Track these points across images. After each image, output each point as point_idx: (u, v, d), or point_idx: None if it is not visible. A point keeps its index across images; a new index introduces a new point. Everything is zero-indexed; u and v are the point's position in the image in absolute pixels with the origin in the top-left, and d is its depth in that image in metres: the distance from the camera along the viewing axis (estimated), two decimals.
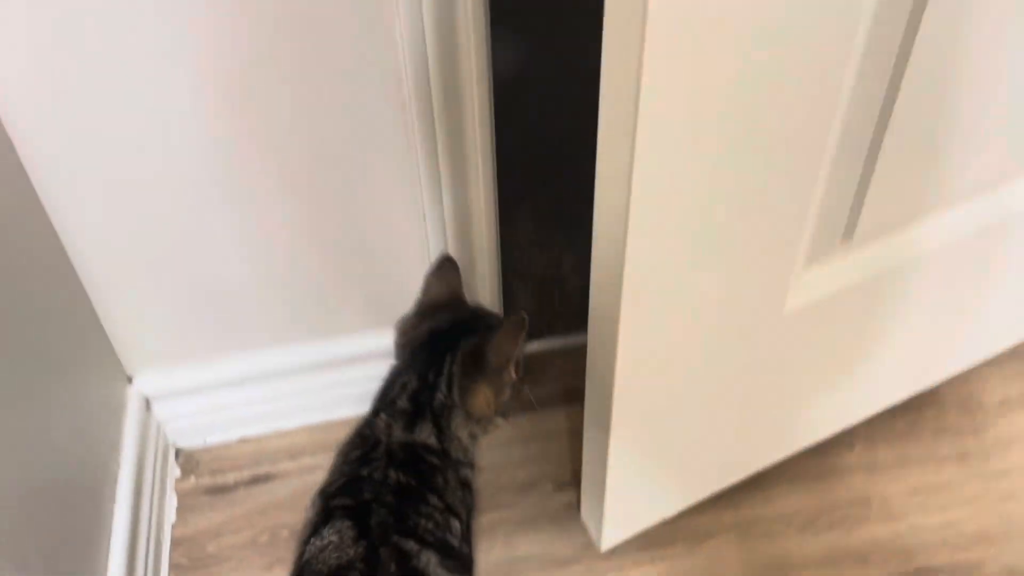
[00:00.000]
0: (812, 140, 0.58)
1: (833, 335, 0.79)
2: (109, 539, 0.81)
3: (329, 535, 0.58)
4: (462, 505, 0.62)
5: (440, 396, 0.62)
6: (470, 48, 0.69)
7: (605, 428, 0.70)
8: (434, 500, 0.61)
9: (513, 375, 0.63)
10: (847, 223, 0.69)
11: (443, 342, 0.64)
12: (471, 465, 0.65)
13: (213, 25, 0.66)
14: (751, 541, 0.88)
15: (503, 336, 0.61)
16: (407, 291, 0.71)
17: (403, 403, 0.63)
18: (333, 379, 0.96)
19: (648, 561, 0.86)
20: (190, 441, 0.97)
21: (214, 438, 0.97)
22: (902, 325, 0.84)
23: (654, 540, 0.87)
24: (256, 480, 0.94)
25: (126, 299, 0.84)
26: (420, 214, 0.83)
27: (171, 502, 0.93)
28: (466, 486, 0.64)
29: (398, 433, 0.62)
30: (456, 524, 0.61)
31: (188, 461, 0.96)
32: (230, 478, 0.95)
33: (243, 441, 0.97)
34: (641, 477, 0.79)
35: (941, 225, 0.75)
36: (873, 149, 0.64)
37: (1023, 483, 0.91)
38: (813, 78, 0.53)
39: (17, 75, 0.66)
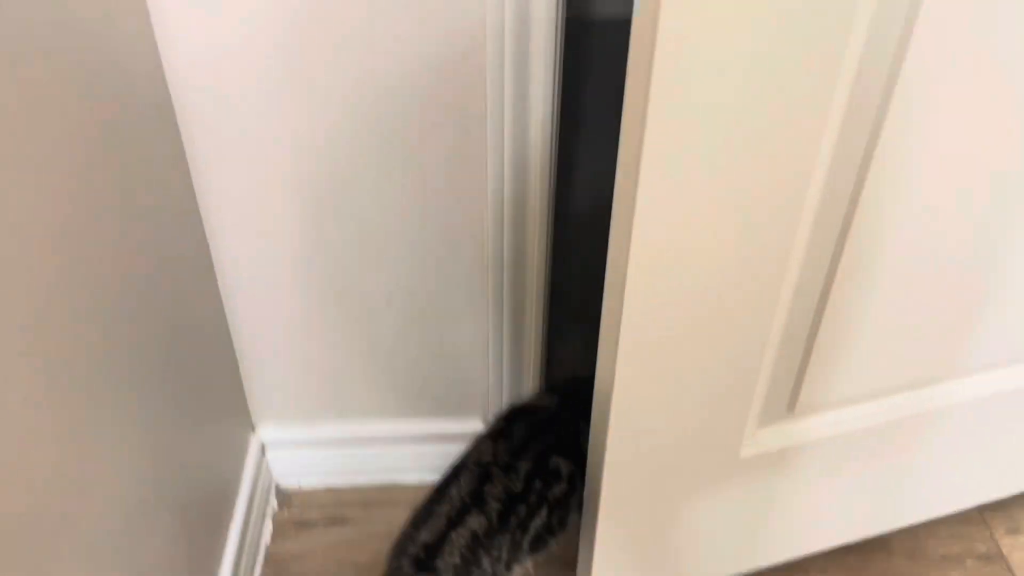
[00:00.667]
0: (758, 333, 0.84)
1: (785, 480, 1.02)
2: (223, 550, 1.09)
3: None
4: None
5: None
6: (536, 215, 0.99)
7: (592, 524, 0.95)
8: None
9: None
10: (789, 398, 0.93)
11: None
12: None
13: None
14: None
15: None
16: (468, 391, 1.00)
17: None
18: (403, 451, 1.24)
19: None
20: (288, 482, 1.26)
21: (306, 482, 1.26)
22: (847, 481, 1.06)
23: None
24: (333, 521, 1.22)
25: (263, 370, 1.15)
26: (485, 336, 1.12)
27: (268, 528, 1.21)
28: None
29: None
30: None
31: (284, 498, 1.25)
32: (314, 515, 1.23)
33: (327, 489, 1.26)
34: (622, 566, 1.03)
35: (873, 410, 0.99)
36: (809, 341, 0.88)
37: None
38: (757, 291, 0.79)
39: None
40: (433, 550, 0.86)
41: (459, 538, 0.86)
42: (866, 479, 1.08)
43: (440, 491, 0.91)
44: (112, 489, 0.77)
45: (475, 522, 0.87)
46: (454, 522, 0.87)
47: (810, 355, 0.89)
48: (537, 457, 0.91)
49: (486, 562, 0.87)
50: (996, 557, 1.18)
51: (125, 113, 0.80)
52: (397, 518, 1.18)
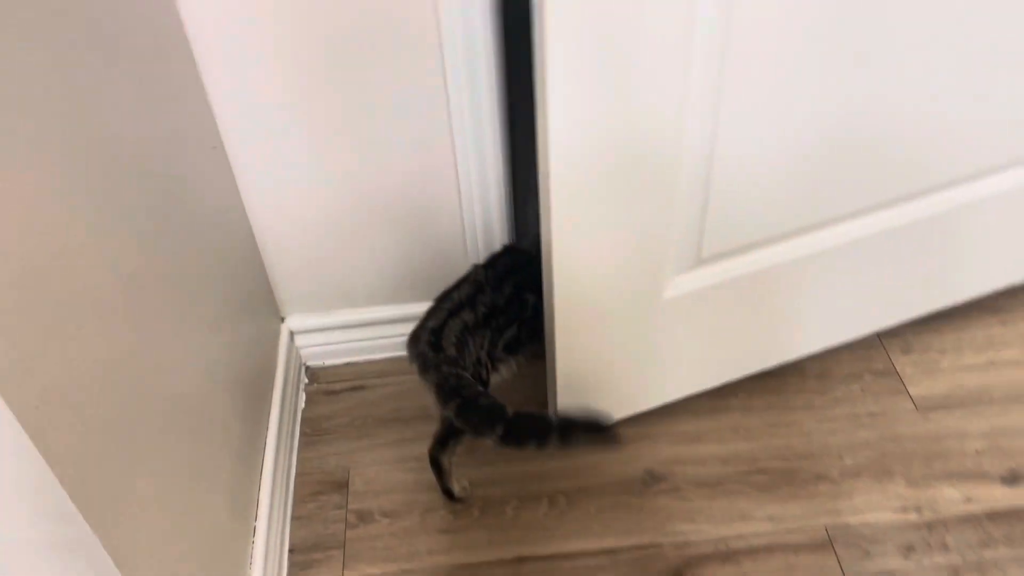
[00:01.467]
0: (665, 189, 1.09)
1: (706, 316, 1.29)
2: (268, 417, 1.37)
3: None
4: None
5: None
6: None
7: (552, 353, 1.23)
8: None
9: None
10: (699, 246, 1.19)
11: None
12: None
13: None
14: (657, 446, 1.38)
15: None
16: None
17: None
18: (406, 329, 1.51)
19: None
20: (314, 362, 1.55)
21: (330, 361, 1.55)
22: (762, 315, 1.33)
23: None
24: (354, 389, 1.51)
25: (286, 270, 1.42)
26: (461, 230, 1.38)
27: (302, 397, 1.50)
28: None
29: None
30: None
31: (313, 374, 1.54)
32: (337, 386, 1.51)
33: (347, 364, 1.54)
34: (581, 389, 1.31)
35: (770, 253, 1.25)
36: (704, 194, 1.14)
37: (843, 426, 1.39)
38: (659, 147, 1.05)
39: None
40: (438, 333, 1.19)
41: (455, 325, 1.19)
42: (777, 314, 1.36)
43: (444, 296, 1.25)
44: (177, 374, 1.04)
45: (467, 316, 1.20)
46: (452, 314, 1.20)
47: (707, 208, 1.14)
48: (515, 286, 1.25)
49: (472, 345, 1.20)
50: (890, 372, 1.46)
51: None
52: (406, 383, 1.47)
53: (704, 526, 1.27)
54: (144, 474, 0.88)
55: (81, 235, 0.81)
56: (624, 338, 1.27)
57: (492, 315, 1.22)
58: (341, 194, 1.32)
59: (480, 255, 1.38)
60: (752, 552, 1.24)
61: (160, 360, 0.97)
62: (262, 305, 1.42)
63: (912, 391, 1.43)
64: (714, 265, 1.23)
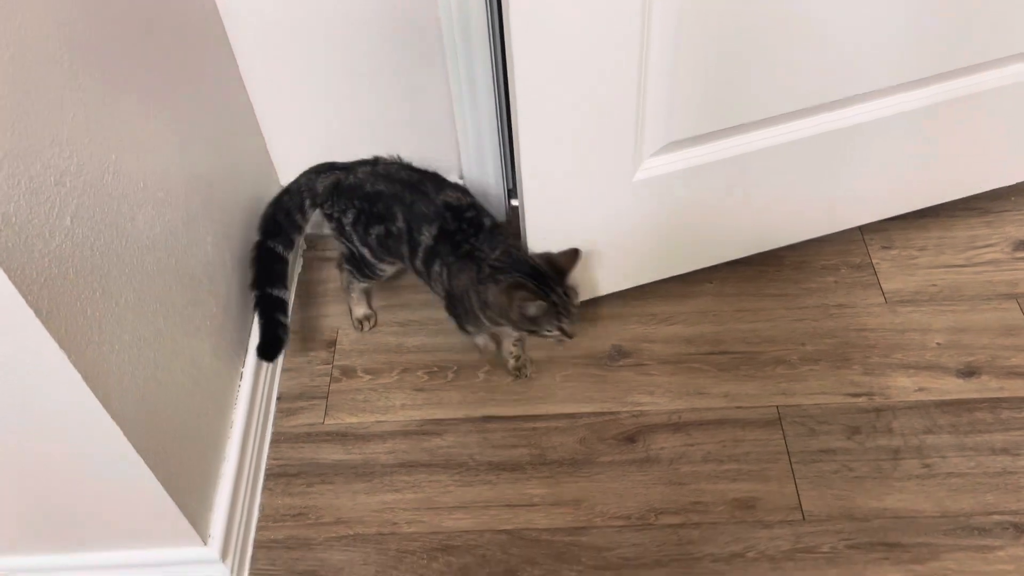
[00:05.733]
0: (626, 74, 1.11)
1: (677, 202, 1.32)
2: None
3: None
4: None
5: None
6: None
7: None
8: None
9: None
10: (667, 131, 1.22)
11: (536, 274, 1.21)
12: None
13: None
14: (627, 325, 1.45)
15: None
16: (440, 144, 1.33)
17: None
18: None
19: None
20: (314, 230, 1.63)
21: (327, 230, 1.62)
22: (734, 201, 1.36)
23: None
24: None
25: (279, 130, 1.47)
26: (447, 91, 1.42)
27: (299, 262, 1.59)
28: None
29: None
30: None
31: (312, 241, 1.62)
32: (333, 253, 1.60)
33: None
34: None
35: (749, 139, 1.27)
36: (672, 77, 1.15)
37: (811, 315, 1.43)
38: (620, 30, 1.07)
39: None
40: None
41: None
42: (751, 203, 1.38)
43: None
44: (165, 216, 1.12)
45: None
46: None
47: (676, 90, 1.16)
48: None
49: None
50: (866, 266, 1.49)
51: None
52: None
53: (661, 399, 1.35)
54: (129, 309, 0.98)
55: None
56: (597, 220, 1.32)
57: (356, 192, 1.31)
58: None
59: (477, 134, 1.43)
60: (703, 424, 1.31)
61: (147, 200, 1.05)
62: (257, 166, 1.49)
63: (884, 285, 1.46)
64: (687, 149, 1.26)
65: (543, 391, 1.38)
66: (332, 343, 1.47)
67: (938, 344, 1.38)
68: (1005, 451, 1.25)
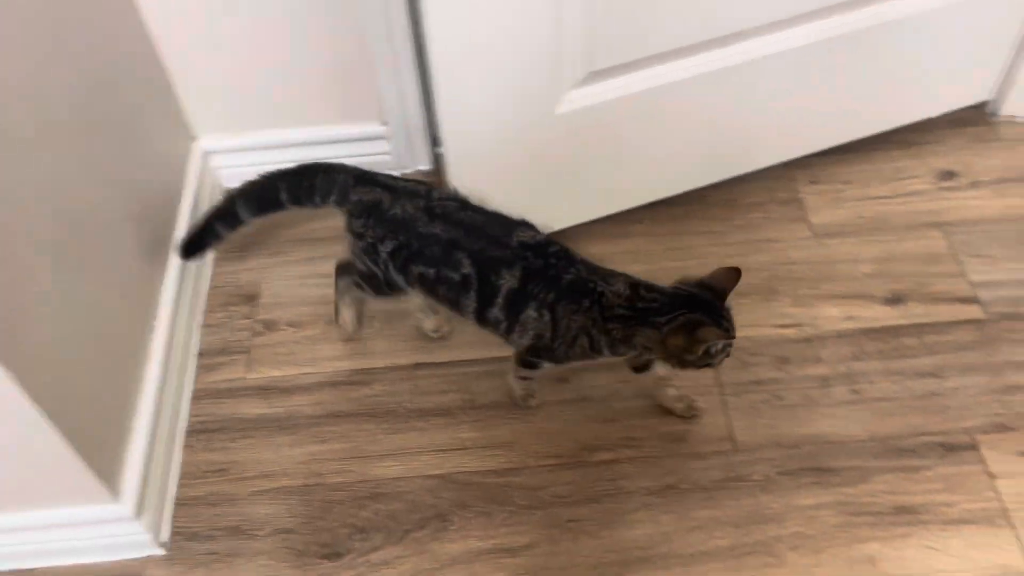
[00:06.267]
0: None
1: (601, 138, 1.30)
2: (173, 230, 1.41)
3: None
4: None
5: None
6: None
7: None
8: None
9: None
10: (587, 62, 1.19)
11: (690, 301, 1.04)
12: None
13: None
14: None
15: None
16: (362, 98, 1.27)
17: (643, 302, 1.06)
18: (320, 152, 1.52)
19: None
20: (232, 183, 1.56)
21: None
22: (658, 138, 1.34)
23: None
24: None
25: (195, 78, 1.41)
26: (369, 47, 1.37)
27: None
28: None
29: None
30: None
31: None
32: None
33: None
34: None
35: (671, 69, 1.24)
36: (588, 17, 1.12)
37: (740, 250, 1.42)
38: None
39: None
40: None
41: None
42: (677, 140, 1.36)
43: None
44: (74, 183, 1.06)
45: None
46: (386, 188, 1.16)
47: (595, 14, 1.13)
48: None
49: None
50: (793, 201, 1.49)
51: None
52: None
53: None
54: (23, 249, 0.92)
55: None
56: (523, 158, 1.29)
57: (403, 227, 1.12)
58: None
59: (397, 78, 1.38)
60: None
61: (54, 166, 0.99)
62: (168, 125, 1.42)
63: (812, 219, 1.46)
64: (608, 80, 1.23)
65: (472, 337, 1.34)
66: (254, 297, 1.41)
67: (865, 274, 1.38)
68: (931, 374, 1.25)
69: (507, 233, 1.10)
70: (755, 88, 1.33)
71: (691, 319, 1.02)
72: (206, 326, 1.38)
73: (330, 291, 1.41)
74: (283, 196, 1.20)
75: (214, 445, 1.25)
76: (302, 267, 1.45)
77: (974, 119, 1.57)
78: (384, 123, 1.48)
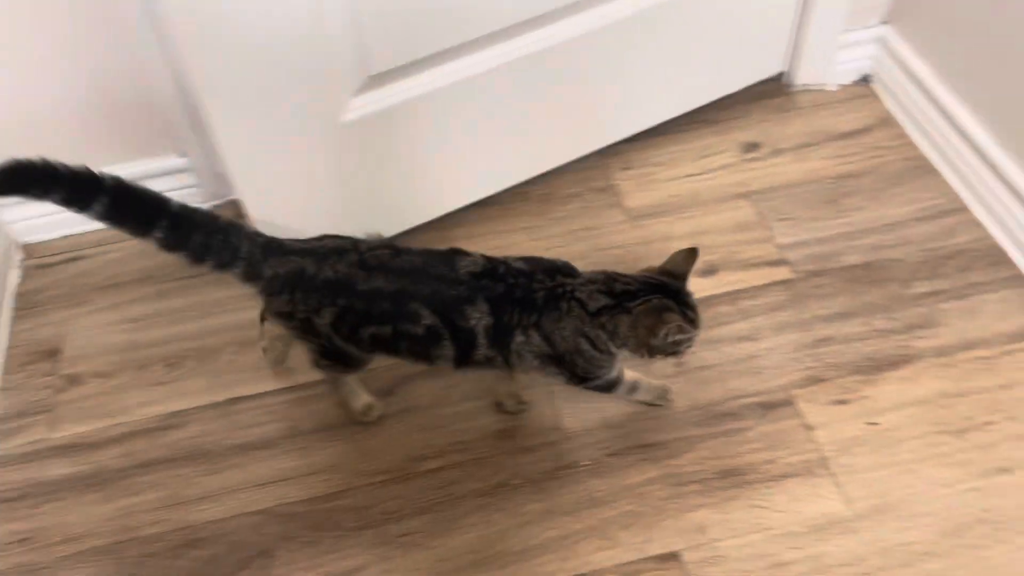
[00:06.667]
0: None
1: (394, 143, 1.27)
2: None
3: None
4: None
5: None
6: None
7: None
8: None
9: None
10: (365, 67, 1.17)
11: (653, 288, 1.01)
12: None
13: None
14: None
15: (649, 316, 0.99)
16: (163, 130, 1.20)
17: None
18: None
19: None
20: (31, 237, 1.47)
21: (47, 235, 1.47)
22: (453, 138, 1.32)
23: None
24: (71, 260, 1.45)
25: None
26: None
27: (15, 274, 1.43)
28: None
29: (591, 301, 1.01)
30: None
31: (29, 249, 1.46)
32: (54, 259, 1.45)
33: (64, 237, 1.48)
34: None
35: (452, 69, 1.24)
36: (355, 19, 1.11)
37: (559, 241, 1.42)
38: None
39: None
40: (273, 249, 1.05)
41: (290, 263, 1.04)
42: (474, 140, 1.35)
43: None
44: None
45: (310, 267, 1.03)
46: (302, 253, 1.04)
47: (362, 24, 1.12)
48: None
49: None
50: (608, 188, 1.50)
51: None
52: (124, 249, 1.42)
53: None
54: None
55: None
56: (319, 175, 1.25)
57: (341, 290, 1.01)
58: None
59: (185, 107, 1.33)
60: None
61: None
62: None
63: (626, 204, 1.47)
64: (391, 84, 1.22)
65: (295, 361, 1.29)
66: (55, 352, 1.32)
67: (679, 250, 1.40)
68: (747, 338, 1.28)
69: (452, 268, 1.03)
70: (550, 79, 1.34)
71: (658, 303, 1.01)
72: (3, 390, 1.28)
73: (139, 335, 1.35)
74: (161, 229, 0.98)
75: (16, 514, 1.15)
76: (107, 314, 1.37)
77: (773, 91, 1.63)
78: (182, 155, 1.43)
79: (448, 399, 1.24)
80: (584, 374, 1.06)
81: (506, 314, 1.00)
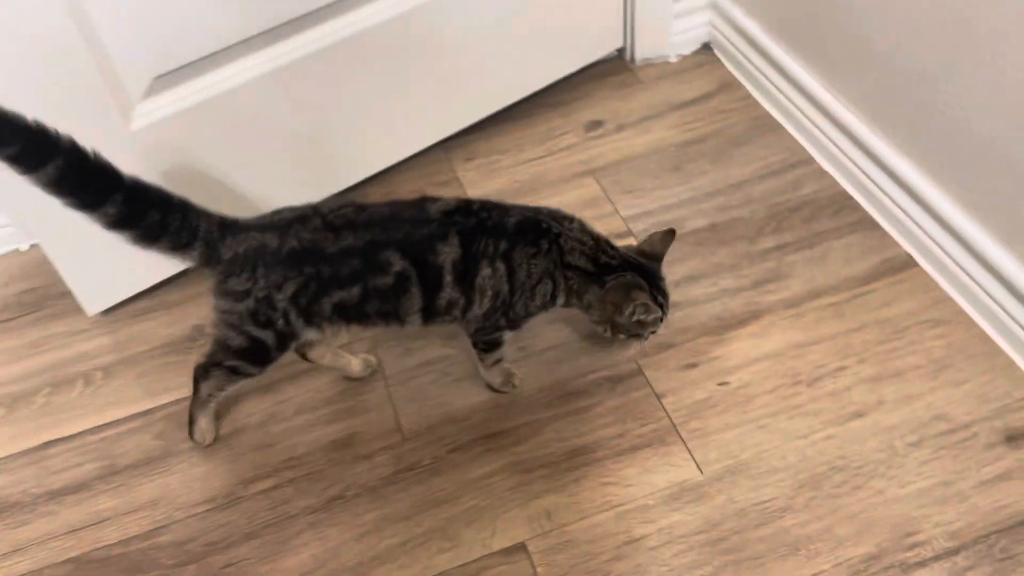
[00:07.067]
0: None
1: (193, 147, 1.19)
2: None
3: None
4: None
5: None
6: None
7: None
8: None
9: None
10: (148, 65, 1.10)
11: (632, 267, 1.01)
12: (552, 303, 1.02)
13: None
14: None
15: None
16: None
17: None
18: None
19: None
20: None
21: None
22: (261, 140, 1.25)
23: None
24: None
25: None
26: None
27: None
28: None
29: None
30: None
31: None
32: None
33: None
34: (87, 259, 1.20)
35: (244, 66, 1.17)
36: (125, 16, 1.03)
37: None
38: None
39: None
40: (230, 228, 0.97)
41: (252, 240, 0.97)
42: (285, 142, 1.28)
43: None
44: None
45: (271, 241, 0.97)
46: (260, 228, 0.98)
47: (134, 20, 1.04)
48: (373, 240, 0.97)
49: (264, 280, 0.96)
50: (452, 181, 1.44)
51: None
52: None
53: None
54: None
55: None
56: None
57: (308, 258, 0.95)
58: None
59: None
60: (295, 377, 1.19)
61: None
62: None
63: (471, 194, 1.42)
64: (180, 86, 1.14)
65: (114, 396, 1.19)
66: None
67: None
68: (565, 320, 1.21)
69: (422, 211, 0.98)
70: (366, 69, 1.28)
71: (630, 280, 1.00)
72: None
73: None
74: (114, 203, 0.90)
75: None
76: None
77: (616, 69, 1.59)
78: None
79: (281, 414, 1.15)
80: (514, 317, 1.03)
81: (475, 244, 0.97)
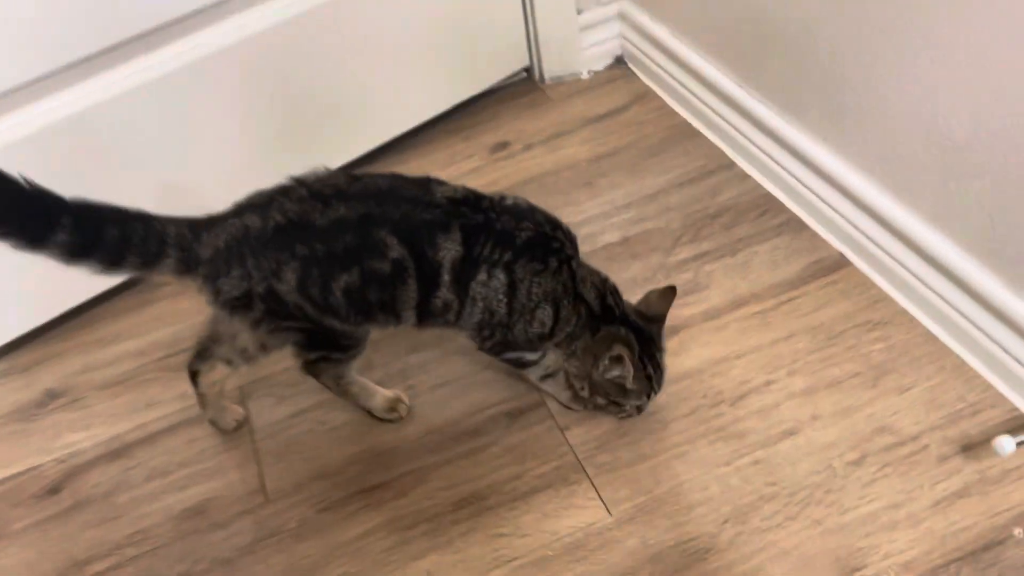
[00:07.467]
0: None
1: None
2: None
3: None
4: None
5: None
6: None
7: None
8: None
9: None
10: None
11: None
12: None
13: None
14: (64, 361, 1.16)
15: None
16: None
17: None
18: None
19: None
20: None
21: None
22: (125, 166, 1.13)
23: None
24: None
25: None
26: None
27: None
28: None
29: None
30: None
31: None
32: None
33: None
34: None
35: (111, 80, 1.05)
36: None
37: None
38: None
39: None
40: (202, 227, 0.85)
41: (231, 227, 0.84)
42: (171, 163, 1.16)
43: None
44: None
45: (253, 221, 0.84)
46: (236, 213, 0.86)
47: None
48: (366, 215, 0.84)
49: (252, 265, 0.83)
50: None
51: None
52: None
53: (99, 430, 1.06)
54: None
55: None
56: None
57: (297, 233, 0.82)
58: None
59: None
60: (150, 438, 1.04)
61: None
62: None
63: None
64: (35, 103, 1.02)
65: None
66: None
67: None
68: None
69: (425, 190, 0.85)
70: (256, 84, 1.16)
71: (621, 335, 0.88)
72: None
73: None
74: (63, 229, 0.77)
75: None
76: None
77: (525, 90, 1.49)
78: None
79: (129, 482, 1.00)
80: (512, 340, 0.90)
81: (478, 245, 0.84)
